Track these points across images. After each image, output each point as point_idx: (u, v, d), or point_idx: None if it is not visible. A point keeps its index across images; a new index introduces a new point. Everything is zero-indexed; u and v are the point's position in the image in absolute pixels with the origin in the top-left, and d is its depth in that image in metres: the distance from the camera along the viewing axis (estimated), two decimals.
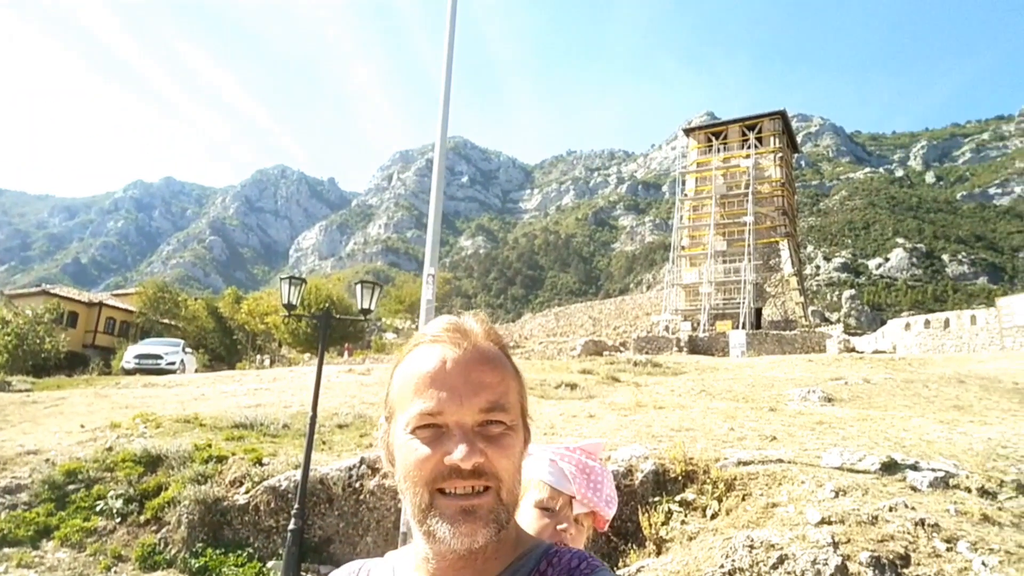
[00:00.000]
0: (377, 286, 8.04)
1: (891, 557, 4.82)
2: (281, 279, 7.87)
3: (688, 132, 55.97)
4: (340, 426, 11.44)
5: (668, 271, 50.29)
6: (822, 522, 5.32)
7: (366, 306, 7.80)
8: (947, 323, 31.21)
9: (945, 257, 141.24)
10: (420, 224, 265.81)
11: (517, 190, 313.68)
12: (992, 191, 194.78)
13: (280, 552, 7.33)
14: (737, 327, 40.01)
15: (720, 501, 6.33)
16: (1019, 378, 15.49)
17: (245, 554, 7.42)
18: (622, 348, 37.93)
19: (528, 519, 1.49)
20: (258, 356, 44.83)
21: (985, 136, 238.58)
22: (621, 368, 16.61)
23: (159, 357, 26.43)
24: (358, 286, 7.82)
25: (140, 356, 26.42)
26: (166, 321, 47.56)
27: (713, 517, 6.24)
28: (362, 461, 7.91)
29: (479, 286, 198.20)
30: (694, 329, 42.13)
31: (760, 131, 49.86)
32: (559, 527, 1.46)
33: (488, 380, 1.02)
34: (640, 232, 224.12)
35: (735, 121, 51.82)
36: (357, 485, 7.71)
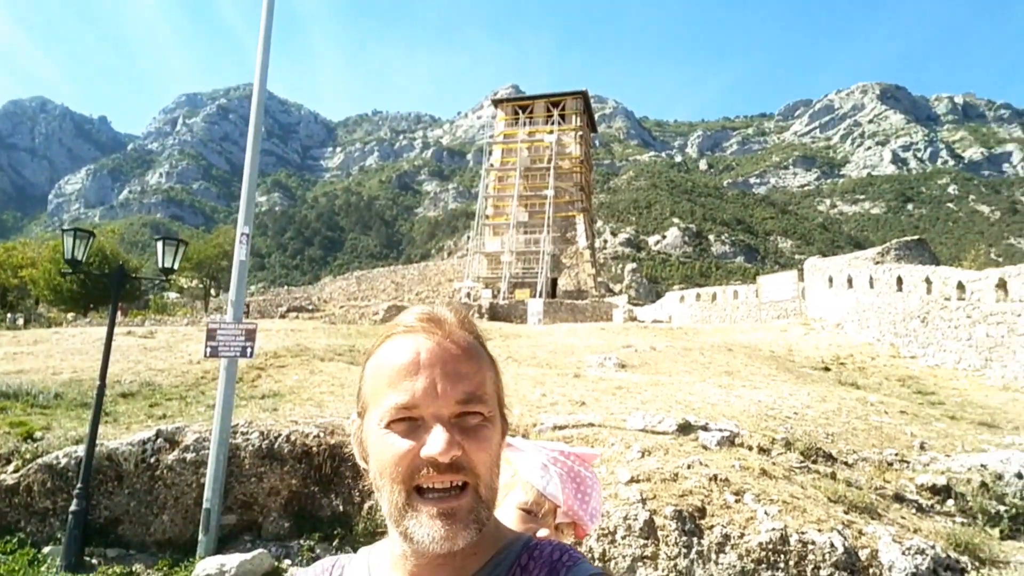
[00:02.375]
0: (182, 243, 7.30)
1: (690, 510, 5.35)
2: (64, 231, 6.86)
3: (496, 103, 56.90)
4: (124, 395, 10.39)
5: (472, 239, 51.23)
6: (631, 481, 5.76)
7: (168, 265, 7.05)
8: (714, 297, 34.98)
9: (711, 237, 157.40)
10: (209, 176, 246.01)
11: (319, 147, 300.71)
12: (752, 180, 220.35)
13: (59, 536, 6.54)
14: (535, 296, 41.83)
15: None
16: (774, 347, 17.80)
17: (15, 540, 6.52)
18: None
19: (509, 519, 1.43)
20: (9, 315, 39.16)
21: (750, 131, 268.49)
22: None
23: None
24: (159, 243, 7.04)
25: None
26: None
27: None
28: (158, 434, 7.24)
29: (274, 245, 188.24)
30: (495, 296, 43.39)
31: (564, 108, 51.99)
32: (539, 533, 1.41)
33: (464, 370, 0.99)
34: (444, 198, 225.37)
35: (541, 97, 53.54)
36: (152, 460, 7.05)
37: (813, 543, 5.04)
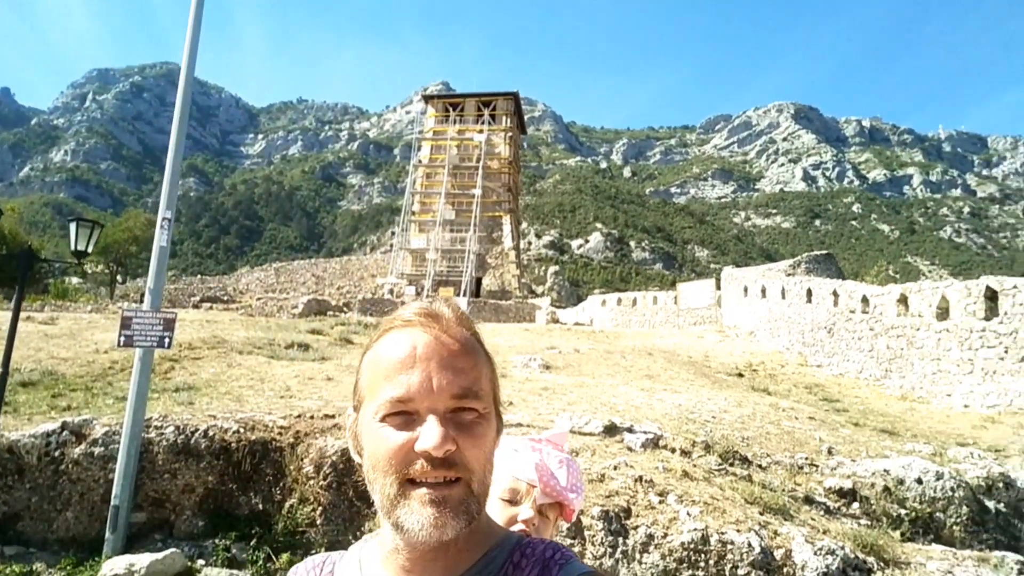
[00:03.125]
0: (97, 225, 6.89)
1: (616, 511, 5.44)
2: None
3: (427, 99, 56.54)
4: (25, 384, 9.73)
5: (397, 235, 50.66)
6: None
7: (81, 248, 6.66)
8: (635, 302, 35.81)
9: (632, 243, 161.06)
10: (119, 156, 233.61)
11: (239, 133, 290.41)
12: (673, 190, 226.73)
13: None
14: (459, 294, 41.75)
15: None
16: (691, 353, 18.36)
17: None
18: (346, 309, 37.45)
19: (493, 510, 1.42)
20: None
21: (672, 142, 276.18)
22: (353, 330, 16.40)
23: None
24: (72, 224, 6.63)
25: None
26: None
27: None
28: (64, 427, 6.82)
29: (187, 232, 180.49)
30: (418, 294, 43.06)
31: (495, 108, 52.11)
32: (523, 518, 1.41)
33: (461, 365, 1.00)
34: (368, 192, 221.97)
35: (473, 95, 53.51)
36: (57, 454, 6.63)
37: (732, 543, 5.22)
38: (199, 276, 77.33)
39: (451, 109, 52.98)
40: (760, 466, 7.38)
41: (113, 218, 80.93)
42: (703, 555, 5.16)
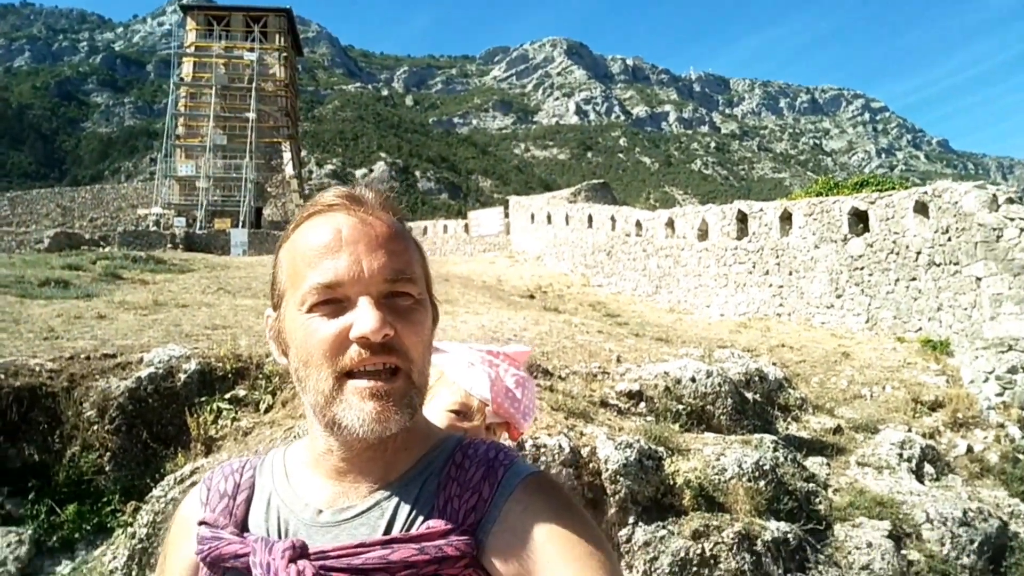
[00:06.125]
0: None
1: None
2: None
3: (185, 9, 50.63)
4: None
5: (160, 161, 45.68)
6: None
7: None
8: (425, 230, 35.99)
9: (418, 173, 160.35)
10: None
11: None
12: (456, 120, 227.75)
13: None
14: (237, 225, 39.03)
15: (275, 395, 6.33)
16: (485, 278, 18.97)
17: None
18: (104, 243, 33.55)
19: (438, 422, 1.33)
20: None
21: (454, 71, 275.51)
22: (120, 264, 14.73)
23: None
24: None
25: None
26: None
27: (267, 411, 6.22)
28: None
29: None
30: (190, 225, 39.58)
31: (266, 25, 48.18)
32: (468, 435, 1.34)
33: (392, 248, 0.93)
34: (119, 113, 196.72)
35: (240, 8, 48.79)
36: None
37: (545, 446, 5.60)
38: None
39: (215, 23, 47.96)
40: (560, 377, 7.91)
41: None
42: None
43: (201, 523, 0.99)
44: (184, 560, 1.01)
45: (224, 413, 6.20)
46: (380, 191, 1.01)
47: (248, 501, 1.01)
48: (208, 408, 6.21)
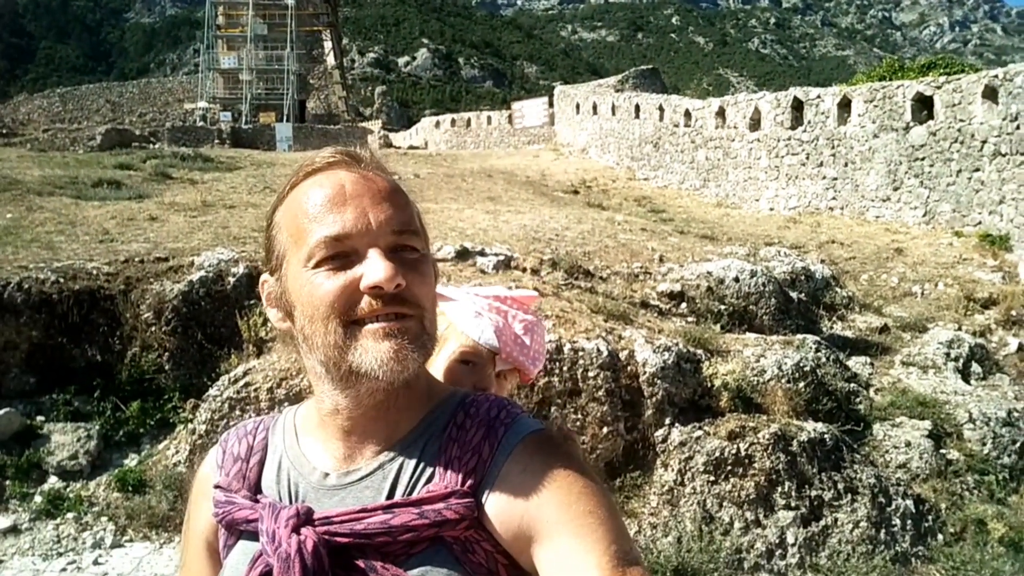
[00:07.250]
0: None
1: None
2: None
3: None
4: None
5: (202, 53, 45.30)
6: None
7: None
8: (469, 123, 35.30)
9: (461, 60, 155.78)
10: None
11: None
12: (500, 1, 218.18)
13: None
14: (281, 119, 38.93)
15: None
16: (529, 173, 18.72)
17: None
18: (153, 139, 33.93)
19: (449, 372, 1.35)
20: None
21: None
22: (169, 163, 14.94)
23: None
24: None
25: None
26: None
27: None
28: None
29: None
30: (235, 120, 39.64)
31: None
32: (478, 384, 1.35)
33: (395, 200, 0.93)
34: (160, 2, 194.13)
35: None
36: None
37: (583, 350, 5.68)
38: None
39: None
40: (601, 278, 7.91)
41: None
42: (558, 363, 5.58)
43: (216, 487, 1.04)
44: (205, 519, 1.08)
45: None
46: (371, 153, 1.00)
47: (261, 463, 1.04)
48: (258, 310, 6.42)
